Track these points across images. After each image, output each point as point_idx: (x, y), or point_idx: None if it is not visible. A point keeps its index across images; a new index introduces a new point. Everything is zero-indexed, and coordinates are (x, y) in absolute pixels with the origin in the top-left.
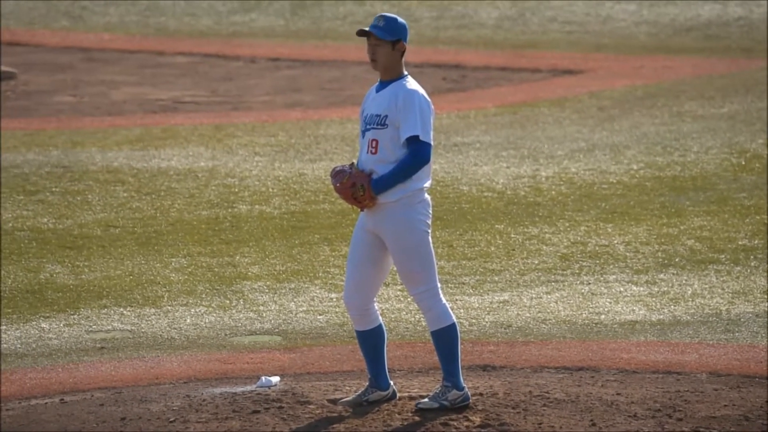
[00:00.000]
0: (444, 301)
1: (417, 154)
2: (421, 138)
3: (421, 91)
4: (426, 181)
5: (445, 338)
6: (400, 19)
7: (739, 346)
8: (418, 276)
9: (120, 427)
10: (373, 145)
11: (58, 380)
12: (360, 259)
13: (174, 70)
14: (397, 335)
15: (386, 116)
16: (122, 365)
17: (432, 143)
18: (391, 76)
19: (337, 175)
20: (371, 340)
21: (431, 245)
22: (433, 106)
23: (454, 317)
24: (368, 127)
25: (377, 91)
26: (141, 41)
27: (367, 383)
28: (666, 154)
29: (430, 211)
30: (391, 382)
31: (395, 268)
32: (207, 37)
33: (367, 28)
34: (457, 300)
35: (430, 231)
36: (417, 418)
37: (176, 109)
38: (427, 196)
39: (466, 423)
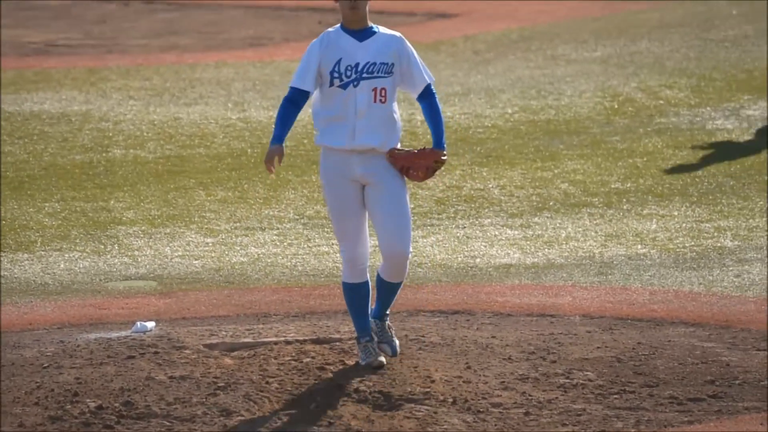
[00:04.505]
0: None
1: (436, 99)
2: (432, 85)
3: None
4: None
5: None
6: None
7: (612, 288)
8: (406, 223)
9: None
10: (382, 94)
11: None
12: (359, 210)
13: (47, 12)
14: (273, 280)
15: (392, 64)
16: None
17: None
18: (364, 26)
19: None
20: (365, 290)
21: None
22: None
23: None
24: (368, 75)
25: (359, 40)
26: None
27: (368, 338)
28: (540, 97)
29: None
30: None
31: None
32: None
33: None
34: (333, 244)
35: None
36: (294, 363)
37: (49, 52)
38: None
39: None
